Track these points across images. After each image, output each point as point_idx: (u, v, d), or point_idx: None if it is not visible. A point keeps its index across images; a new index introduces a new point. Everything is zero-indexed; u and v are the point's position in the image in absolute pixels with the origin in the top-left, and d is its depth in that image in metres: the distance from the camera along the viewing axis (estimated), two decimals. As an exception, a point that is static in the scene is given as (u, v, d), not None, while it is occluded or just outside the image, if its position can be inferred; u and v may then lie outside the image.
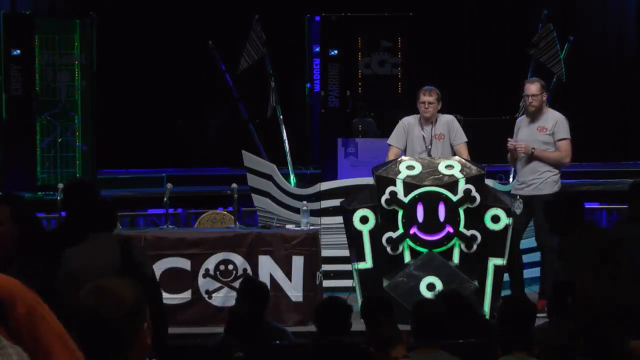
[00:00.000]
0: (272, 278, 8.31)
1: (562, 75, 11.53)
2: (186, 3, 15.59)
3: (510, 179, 10.36)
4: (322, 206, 9.50)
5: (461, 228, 8.06)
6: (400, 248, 8.12)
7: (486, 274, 8.15)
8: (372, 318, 5.77)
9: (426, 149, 8.95)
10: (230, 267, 8.40)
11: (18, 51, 12.41)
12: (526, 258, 9.10)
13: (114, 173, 13.87)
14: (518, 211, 8.60)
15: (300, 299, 8.36)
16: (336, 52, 13.92)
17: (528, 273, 9.13)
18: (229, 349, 5.55)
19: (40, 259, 5.02)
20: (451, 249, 8.12)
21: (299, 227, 8.76)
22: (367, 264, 8.20)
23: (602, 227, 10.29)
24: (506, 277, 8.52)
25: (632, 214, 6.65)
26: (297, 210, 9.30)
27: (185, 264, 8.40)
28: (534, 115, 8.87)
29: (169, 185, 9.49)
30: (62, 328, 2.63)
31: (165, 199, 9.29)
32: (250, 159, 9.91)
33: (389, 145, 9.11)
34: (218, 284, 8.39)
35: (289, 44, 14.92)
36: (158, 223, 11.71)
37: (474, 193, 8.05)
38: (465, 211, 8.08)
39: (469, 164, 8.27)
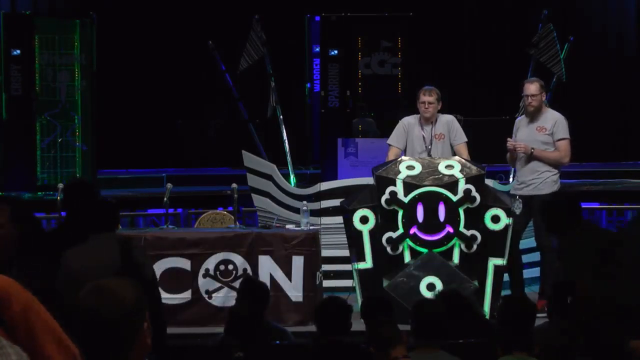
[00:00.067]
0: (272, 278, 8.31)
1: (562, 75, 11.53)
2: (186, 3, 15.59)
3: (510, 179, 10.36)
4: (322, 206, 9.50)
5: (461, 228, 8.06)
6: (400, 248, 8.12)
7: (486, 274, 8.15)
8: (372, 318, 5.77)
9: (426, 149, 8.95)
10: (230, 267, 8.40)
11: (18, 51, 12.41)
12: (526, 258, 9.10)
13: (114, 173, 13.87)
14: (518, 211, 8.60)
15: (300, 299, 8.36)
16: (336, 52, 13.91)
17: (528, 273, 9.13)
18: (229, 349, 5.55)
19: (40, 259, 5.02)
20: (451, 249, 8.12)
21: (299, 227, 8.75)
22: (367, 264, 8.20)
23: (601, 227, 10.28)
24: (506, 277, 8.52)
25: None
26: (297, 210, 9.30)
27: (185, 264, 8.39)
28: (533, 115, 8.87)
29: (169, 185, 9.48)
30: (58, 326, 2.64)
31: (165, 199, 9.28)
32: (250, 159, 9.90)
33: (389, 145, 9.11)
34: (218, 284, 8.39)
35: (289, 44, 14.92)
36: (158, 223, 11.69)
37: (474, 193, 8.04)
38: (465, 211, 8.08)
39: (469, 164, 8.26)
